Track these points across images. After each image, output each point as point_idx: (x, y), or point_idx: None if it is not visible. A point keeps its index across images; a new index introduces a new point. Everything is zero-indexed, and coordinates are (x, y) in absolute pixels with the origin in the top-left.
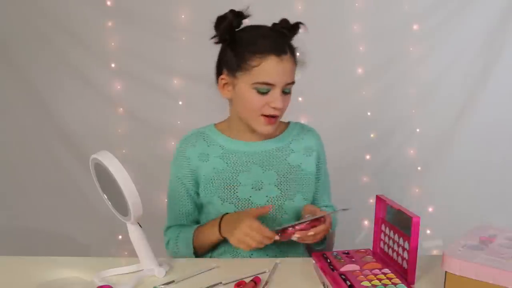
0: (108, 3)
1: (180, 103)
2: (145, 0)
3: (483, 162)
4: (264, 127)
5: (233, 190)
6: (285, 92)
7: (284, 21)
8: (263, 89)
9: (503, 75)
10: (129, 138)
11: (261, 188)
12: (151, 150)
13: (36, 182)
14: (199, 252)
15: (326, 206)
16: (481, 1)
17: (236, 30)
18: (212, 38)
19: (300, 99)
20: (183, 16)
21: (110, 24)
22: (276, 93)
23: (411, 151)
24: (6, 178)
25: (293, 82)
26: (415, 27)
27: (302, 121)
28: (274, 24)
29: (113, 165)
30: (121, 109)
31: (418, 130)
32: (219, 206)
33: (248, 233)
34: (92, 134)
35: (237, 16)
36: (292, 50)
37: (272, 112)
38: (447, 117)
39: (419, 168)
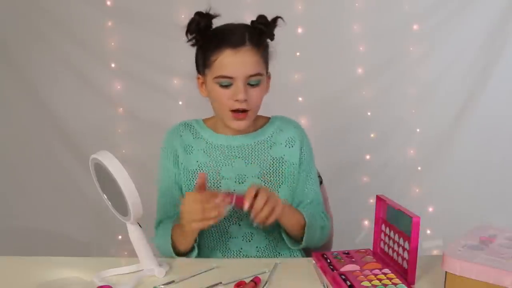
0: (108, 3)
1: (180, 103)
2: (145, 0)
3: (483, 162)
4: (234, 122)
5: (216, 184)
6: (252, 84)
7: (261, 17)
8: (224, 82)
9: (503, 75)
10: (129, 138)
11: (244, 181)
12: (151, 150)
13: (36, 182)
14: (180, 248)
15: (310, 203)
16: (481, 1)
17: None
18: (188, 41)
19: (300, 99)
20: (183, 16)
21: (110, 24)
22: (237, 85)
23: (411, 151)
24: (6, 178)
25: (258, 74)
26: (415, 27)
27: (302, 121)
28: (252, 22)
29: (113, 165)
30: (121, 109)
31: (418, 130)
32: None
33: (194, 208)
34: (92, 134)
35: (204, 17)
36: (258, 42)
37: (238, 106)
38: (447, 117)
39: (419, 168)
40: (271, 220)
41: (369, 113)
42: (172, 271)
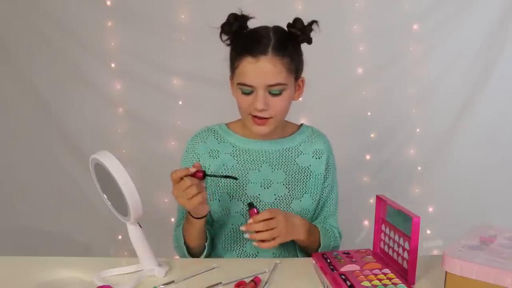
0: (108, 3)
1: (180, 103)
2: (145, 0)
3: (483, 162)
4: (255, 127)
5: (242, 187)
6: (273, 93)
7: (296, 21)
8: (245, 90)
9: (503, 75)
10: (129, 138)
11: (270, 186)
12: (151, 150)
13: (36, 182)
14: (191, 245)
15: (327, 218)
16: (481, 1)
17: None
18: (223, 42)
19: (300, 99)
20: (183, 16)
21: (110, 24)
22: (256, 94)
23: (411, 151)
24: (6, 178)
25: (279, 84)
26: (415, 27)
27: (303, 121)
28: (288, 24)
29: (113, 165)
30: (121, 109)
31: (418, 130)
32: (227, 203)
33: (173, 186)
34: (92, 134)
35: (237, 19)
36: (283, 51)
37: (256, 113)
38: (447, 117)
39: (419, 168)
40: (267, 245)
41: (369, 113)
42: (172, 271)
